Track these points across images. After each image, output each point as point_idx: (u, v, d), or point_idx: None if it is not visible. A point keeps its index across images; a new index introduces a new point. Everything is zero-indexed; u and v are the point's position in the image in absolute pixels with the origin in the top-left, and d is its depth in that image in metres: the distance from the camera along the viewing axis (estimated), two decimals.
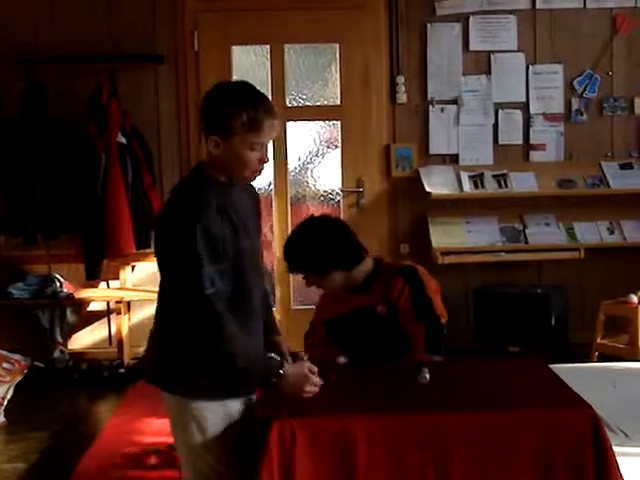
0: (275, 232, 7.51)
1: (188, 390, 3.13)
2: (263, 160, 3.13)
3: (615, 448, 3.15)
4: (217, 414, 3.14)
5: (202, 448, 3.16)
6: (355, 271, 4.05)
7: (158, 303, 3.24)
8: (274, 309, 3.70)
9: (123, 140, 7.04)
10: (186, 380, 3.12)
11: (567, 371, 4.10)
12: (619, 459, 3.13)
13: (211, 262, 2.98)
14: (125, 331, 7.29)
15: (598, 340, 6.84)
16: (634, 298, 6.72)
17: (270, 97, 7.25)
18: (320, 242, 3.95)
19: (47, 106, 7.09)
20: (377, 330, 4.03)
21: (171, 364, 3.15)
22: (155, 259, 3.14)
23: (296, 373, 3.14)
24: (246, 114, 3.02)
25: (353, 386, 3.27)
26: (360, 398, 3.24)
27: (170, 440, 4.74)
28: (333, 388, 3.35)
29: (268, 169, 7.48)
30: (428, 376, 3.42)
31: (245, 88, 3.14)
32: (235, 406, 3.18)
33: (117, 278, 7.47)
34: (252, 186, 3.34)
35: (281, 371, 3.09)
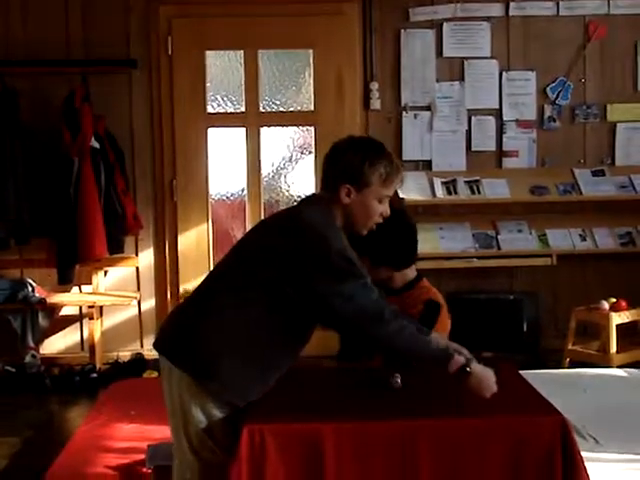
0: None
1: (219, 387, 3.18)
2: (385, 214, 3.36)
3: (585, 454, 3.16)
4: (228, 411, 3.20)
5: (206, 433, 3.20)
6: (399, 274, 4.05)
7: (218, 304, 3.25)
8: None
9: (96, 145, 7.02)
10: (224, 379, 3.17)
11: (538, 377, 4.12)
12: (589, 465, 3.14)
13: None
14: (97, 336, 7.26)
15: (569, 346, 6.87)
16: (605, 305, 6.76)
17: (244, 102, 7.35)
18: (387, 234, 3.80)
19: (20, 110, 7.06)
20: None
21: (216, 359, 3.18)
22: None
23: (485, 375, 3.24)
24: (383, 168, 3.29)
25: (324, 391, 3.27)
26: (330, 403, 3.24)
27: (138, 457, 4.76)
28: (304, 392, 3.35)
29: (242, 174, 7.49)
30: (400, 381, 3.42)
31: (379, 144, 3.41)
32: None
33: (89, 283, 7.44)
34: None
35: (468, 369, 3.19)
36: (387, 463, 3.05)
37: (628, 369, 6.01)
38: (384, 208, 3.34)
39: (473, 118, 7.51)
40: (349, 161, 3.28)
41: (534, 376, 3.89)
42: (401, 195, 7.21)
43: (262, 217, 7.50)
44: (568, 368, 6.72)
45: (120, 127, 7.29)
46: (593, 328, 6.97)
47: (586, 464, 3.12)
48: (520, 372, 3.82)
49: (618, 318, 6.70)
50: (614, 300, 6.80)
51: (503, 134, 7.52)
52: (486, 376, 3.23)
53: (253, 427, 3.02)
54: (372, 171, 3.26)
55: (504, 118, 7.51)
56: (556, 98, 7.52)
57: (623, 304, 6.79)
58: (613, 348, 6.64)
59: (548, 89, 7.52)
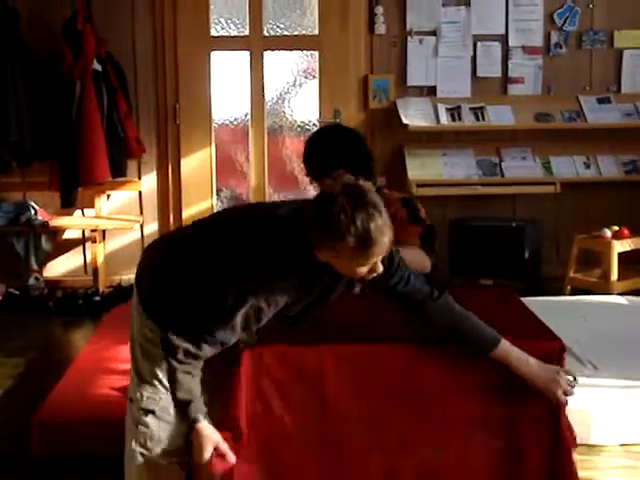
0: (251, 162, 7.51)
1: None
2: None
3: (583, 380, 3.20)
4: None
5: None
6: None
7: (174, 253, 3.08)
8: None
9: (98, 67, 6.98)
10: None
11: (539, 304, 4.15)
12: (588, 390, 3.18)
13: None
14: (100, 259, 7.28)
15: (571, 274, 6.89)
16: (608, 233, 6.76)
17: (248, 26, 7.25)
18: (336, 145, 3.89)
19: (21, 31, 6.99)
20: None
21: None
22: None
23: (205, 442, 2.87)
24: None
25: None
26: (331, 321, 3.23)
27: None
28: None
29: (245, 99, 7.44)
30: (358, 289, 3.27)
31: None
32: None
33: (92, 206, 7.44)
34: None
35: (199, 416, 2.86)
36: (385, 383, 3.09)
37: (628, 297, 6.04)
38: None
39: (479, 44, 7.43)
40: None
41: (535, 303, 3.92)
42: (405, 121, 7.19)
43: (265, 142, 7.49)
44: (569, 296, 6.75)
45: (122, 49, 7.22)
46: (595, 256, 6.98)
47: (584, 390, 3.15)
48: (521, 299, 3.83)
49: (620, 246, 6.71)
50: (616, 228, 6.80)
51: (509, 60, 7.45)
52: (205, 443, 2.86)
53: (254, 351, 3.06)
54: None
55: (510, 44, 7.43)
56: (563, 24, 7.44)
57: (625, 232, 6.79)
58: (614, 276, 6.65)
59: (555, 15, 7.44)
